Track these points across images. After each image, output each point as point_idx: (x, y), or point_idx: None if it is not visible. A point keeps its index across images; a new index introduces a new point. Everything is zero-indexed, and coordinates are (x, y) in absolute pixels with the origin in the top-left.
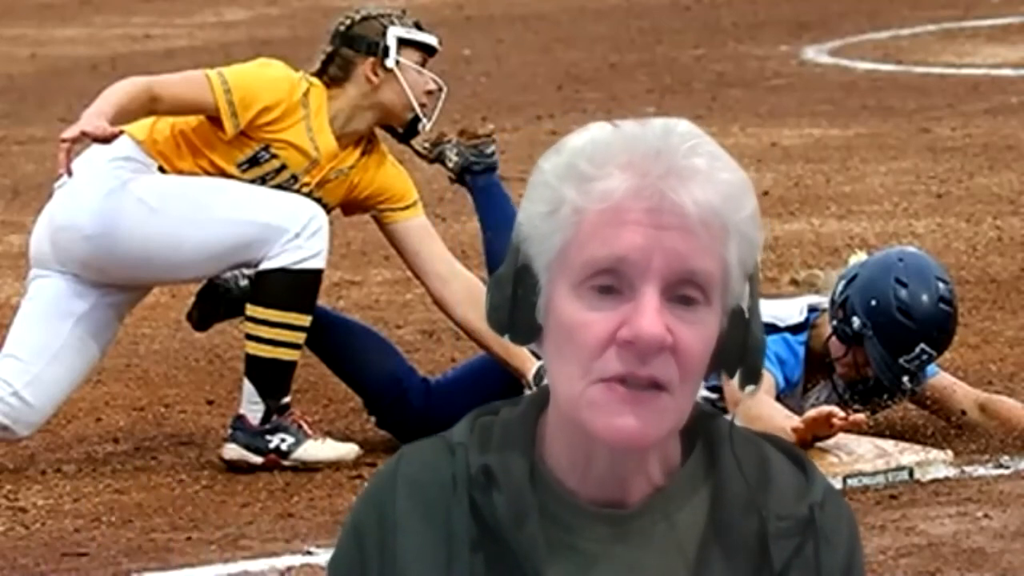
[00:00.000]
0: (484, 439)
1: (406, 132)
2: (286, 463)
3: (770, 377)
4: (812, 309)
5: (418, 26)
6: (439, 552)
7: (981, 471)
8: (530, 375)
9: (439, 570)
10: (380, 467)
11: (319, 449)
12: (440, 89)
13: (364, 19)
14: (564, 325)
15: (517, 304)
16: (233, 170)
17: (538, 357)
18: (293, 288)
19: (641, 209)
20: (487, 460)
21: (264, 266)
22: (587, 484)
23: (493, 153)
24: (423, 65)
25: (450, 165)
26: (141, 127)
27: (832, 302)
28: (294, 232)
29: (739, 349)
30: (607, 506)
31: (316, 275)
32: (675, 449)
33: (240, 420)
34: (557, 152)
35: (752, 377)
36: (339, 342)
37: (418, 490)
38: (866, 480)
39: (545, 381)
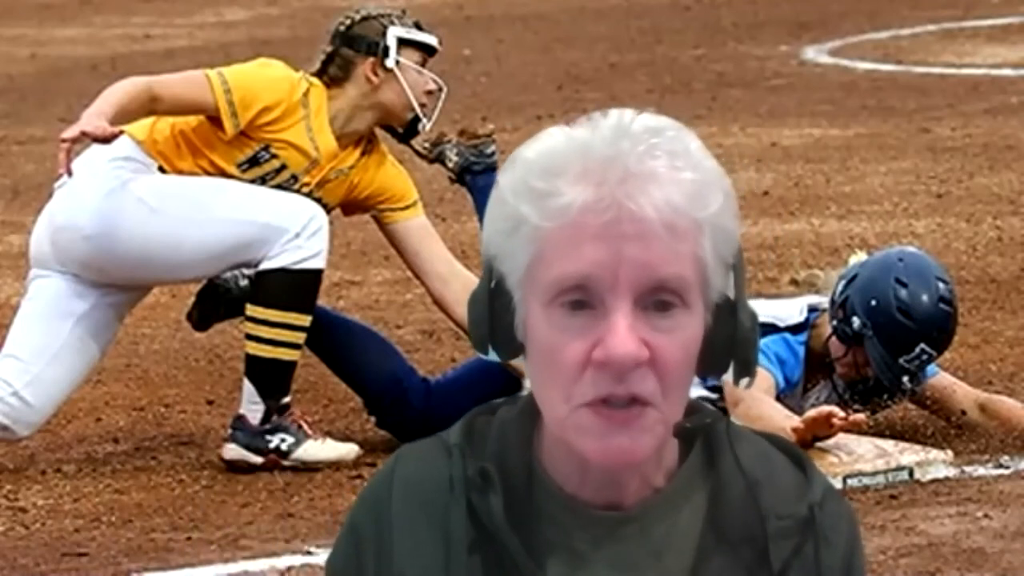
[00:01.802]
0: (481, 440)
1: (406, 132)
2: (286, 463)
3: (770, 377)
4: (812, 309)
5: (418, 26)
6: (436, 553)
7: (981, 471)
8: None
9: (436, 571)
10: (378, 468)
11: (319, 449)
12: (440, 89)
13: (364, 19)
14: (541, 347)
15: (496, 322)
16: (233, 170)
17: None
18: (293, 288)
19: (600, 222)
20: (484, 462)
21: (264, 266)
22: (585, 489)
23: (493, 153)
24: (423, 65)
25: (450, 165)
26: (141, 127)
27: (832, 302)
28: (294, 232)
29: (727, 342)
30: (605, 508)
31: (316, 275)
32: (672, 451)
33: (240, 420)
34: (512, 166)
35: (745, 370)
36: (339, 342)
37: (415, 491)
38: (866, 480)
39: None
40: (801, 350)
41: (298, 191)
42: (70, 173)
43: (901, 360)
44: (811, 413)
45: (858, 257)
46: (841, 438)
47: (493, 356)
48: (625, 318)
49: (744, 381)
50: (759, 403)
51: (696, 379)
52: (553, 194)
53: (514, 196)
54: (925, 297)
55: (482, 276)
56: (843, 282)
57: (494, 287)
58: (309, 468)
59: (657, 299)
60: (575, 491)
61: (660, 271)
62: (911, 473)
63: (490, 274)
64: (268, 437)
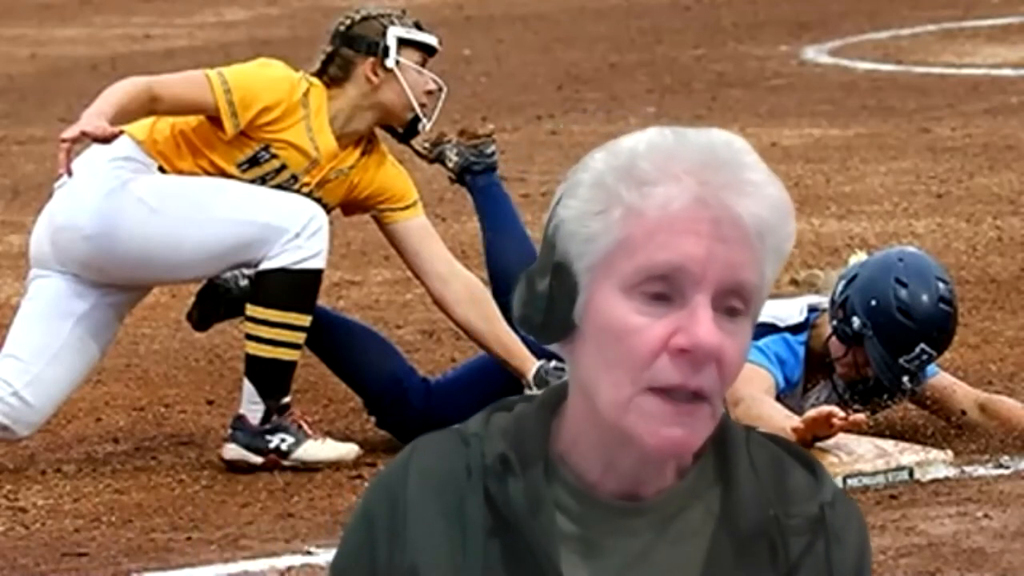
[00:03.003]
0: (500, 431)
1: (406, 132)
2: (286, 463)
3: (770, 377)
4: (812, 309)
5: (418, 26)
6: (452, 540)
7: (981, 471)
8: (530, 375)
9: (452, 558)
10: (394, 457)
11: (319, 449)
12: (440, 89)
13: (364, 19)
14: (612, 329)
15: (553, 302)
16: (233, 170)
17: (548, 356)
18: (293, 288)
19: (704, 219)
20: (503, 450)
21: (264, 266)
22: (607, 479)
23: (493, 153)
24: (423, 65)
25: (450, 165)
26: (141, 127)
27: (832, 302)
28: (294, 232)
29: None
30: (622, 500)
31: (316, 275)
32: None
33: (240, 420)
34: (611, 153)
35: None
36: (339, 342)
37: (431, 479)
38: (866, 480)
39: (559, 380)
40: (801, 350)
41: (298, 191)
42: (70, 173)
43: (901, 360)
44: (811, 413)
45: (858, 257)
46: (841, 438)
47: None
48: (709, 311)
49: None
50: (759, 403)
51: None
52: (659, 182)
53: (615, 179)
54: (925, 297)
55: (540, 257)
56: (843, 282)
57: (555, 267)
58: (309, 468)
59: (728, 303)
60: (596, 481)
61: (742, 275)
62: (911, 473)
63: (551, 255)
64: (268, 437)
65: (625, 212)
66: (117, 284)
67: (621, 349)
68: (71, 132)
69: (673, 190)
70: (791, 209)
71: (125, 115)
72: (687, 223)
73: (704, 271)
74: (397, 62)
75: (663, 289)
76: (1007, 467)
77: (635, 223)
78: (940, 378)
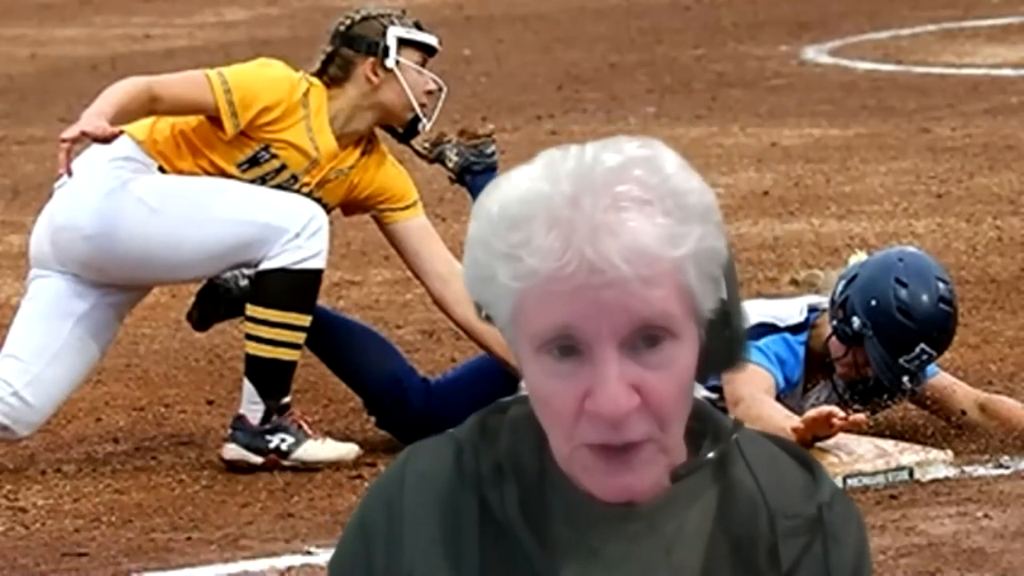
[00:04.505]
0: (494, 437)
1: (406, 132)
2: (286, 463)
3: (770, 377)
4: (812, 309)
5: (418, 26)
6: (448, 548)
7: (981, 471)
8: None
9: (449, 565)
10: (388, 464)
11: (319, 449)
12: (440, 89)
13: (364, 19)
14: (535, 392)
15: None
16: (233, 170)
17: None
18: (293, 288)
19: (573, 276)
20: (498, 457)
21: (264, 266)
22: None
23: (493, 153)
24: (423, 65)
25: (450, 165)
26: (141, 127)
27: (832, 302)
28: (294, 232)
29: (724, 348)
30: (616, 504)
31: (316, 275)
32: (681, 450)
33: (240, 420)
34: (478, 219)
35: (736, 366)
36: (339, 342)
37: (427, 486)
38: (866, 480)
39: None
40: (801, 350)
41: (298, 191)
42: (70, 173)
43: (901, 360)
44: (811, 413)
45: (858, 257)
46: (841, 438)
47: None
48: (613, 366)
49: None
50: (759, 403)
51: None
52: (520, 257)
53: (484, 254)
54: (925, 297)
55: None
56: (843, 282)
57: (486, 319)
58: (309, 468)
59: (647, 335)
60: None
61: (642, 313)
62: (911, 473)
63: (479, 311)
64: (268, 437)
65: (504, 285)
66: (117, 284)
67: (546, 412)
68: (71, 132)
69: (536, 259)
70: (692, 213)
71: (125, 115)
72: (561, 285)
73: (595, 326)
74: (397, 62)
75: (568, 343)
76: (1007, 467)
77: (517, 293)
78: (940, 378)
